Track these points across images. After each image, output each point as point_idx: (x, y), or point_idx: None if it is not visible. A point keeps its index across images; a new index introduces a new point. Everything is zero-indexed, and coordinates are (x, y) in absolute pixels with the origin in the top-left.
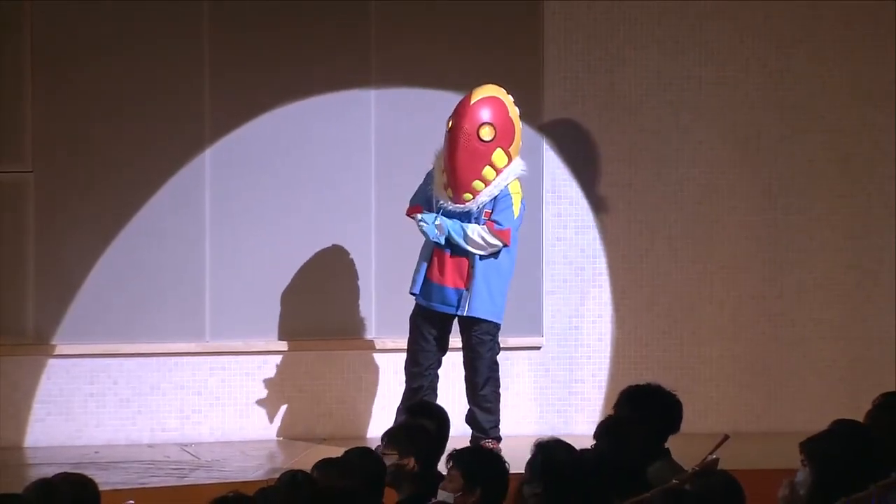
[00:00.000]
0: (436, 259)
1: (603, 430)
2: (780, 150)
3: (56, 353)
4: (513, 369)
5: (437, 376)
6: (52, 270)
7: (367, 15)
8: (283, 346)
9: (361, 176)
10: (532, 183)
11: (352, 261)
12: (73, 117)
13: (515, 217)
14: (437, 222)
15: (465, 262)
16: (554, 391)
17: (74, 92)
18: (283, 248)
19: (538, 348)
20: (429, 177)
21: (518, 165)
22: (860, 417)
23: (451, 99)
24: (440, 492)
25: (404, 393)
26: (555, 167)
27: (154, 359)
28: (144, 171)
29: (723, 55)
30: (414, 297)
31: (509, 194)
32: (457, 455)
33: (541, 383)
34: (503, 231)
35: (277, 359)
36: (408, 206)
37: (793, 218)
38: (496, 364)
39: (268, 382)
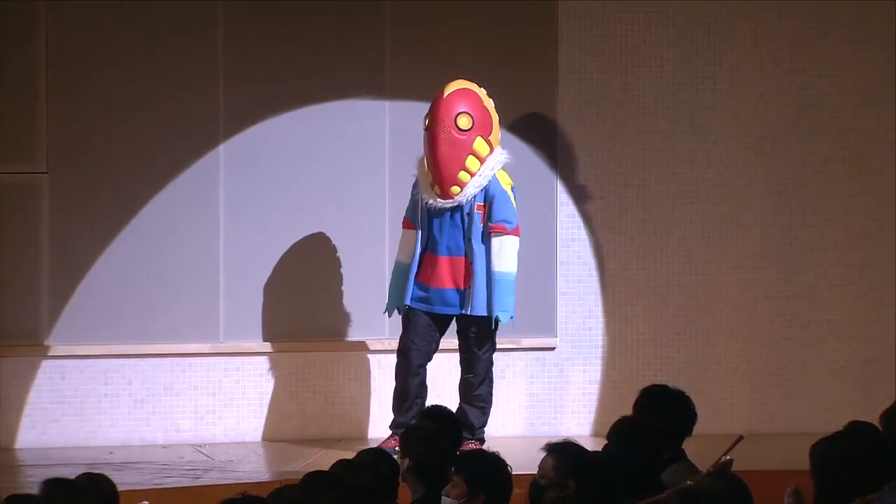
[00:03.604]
0: (427, 263)
1: (615, 432)
2: (795, 150)
3: (70, 353)
4: (526, 370)
5: (426, 373)
6: (67, 271)
7: (381, 16)
8: (297, 346)
9: (376, 176)
10: (546, 183)
11: (366, 262)
12: (88, 118)
13: (515, 208)
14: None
15: (461, 261)
16: (568, 392)
17: (89, 93)
18: (298, 249)
19: (552, 349)
20: (415, 185)
21: (501, 154)
22: (874, 418)
23: None
24: (444, 498)
25: (397, 391)
26: (569, 168)
27: (168, 359)
28: (159, 172)
29: (737, 55)
30: (409, 306)
31: (503, 189)
32: (460, 460)
33: (555, 384)
34: (515, 228)
35: (291, 359)
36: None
37: (807, 218)
38: (492, 363)
39: (282, 383)
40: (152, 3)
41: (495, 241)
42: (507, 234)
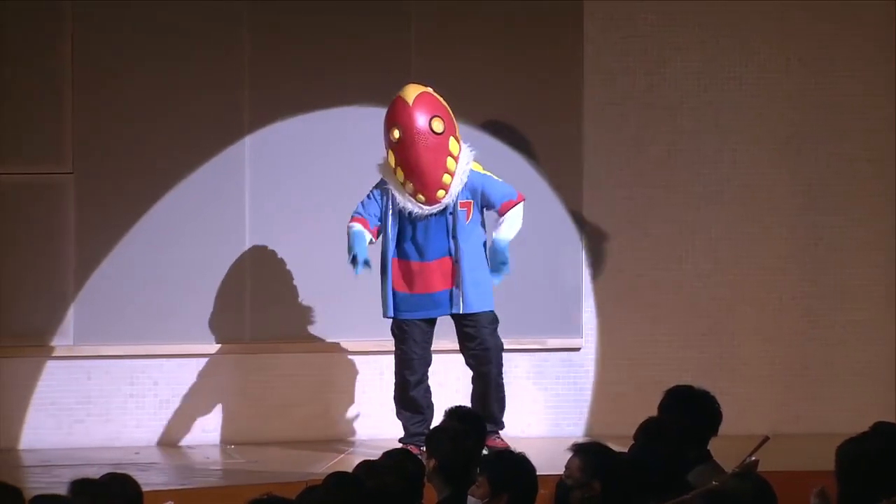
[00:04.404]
0: (409, 271)
1: (640, 432)
2: (821, 151)
3: (96, 353)
4: (552, 370)
5: (428, 378)
6: (92, 271)
7: (406, 16)
8: (324, 346)
9: None
10: (572, 184)
11: None
12: (114, 119)
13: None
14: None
15: (448, 261)
16: (593, 392)
17: (115, 94)
18: (324, 249)
19: (577, 349)
20: (376, 193)
21: (468, 149)
22: None
23: (488, 101)
24: (469, 498)
25: (403, 400)
26: (595, 168)
27: (194, 360)
28: (183, 172)
29: (763, 55)
30: (391, 319)
31: (482, 174)
32: (485, 460)
33: (580, 384)
34: (519, 195)
35: (317, 360)
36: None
37: (833, 218)
38: (502, 348)
39: (307, 384)
40: (177, 3)
41: (508, 215)
42: (516, 203)
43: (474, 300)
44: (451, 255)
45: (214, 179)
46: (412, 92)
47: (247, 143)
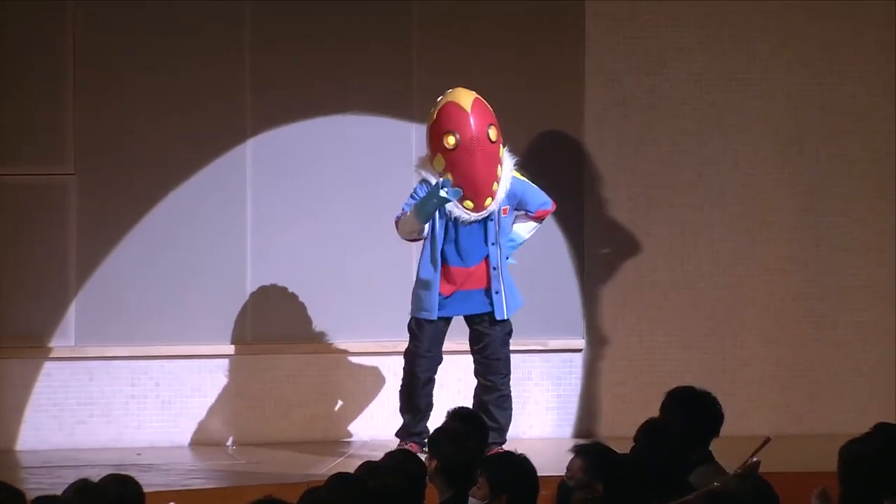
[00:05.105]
0: (451, 272)
1: (642, 433)
2: (822, 151)
3: (97, 355)
4: (554, 372)
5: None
6: (94, 272)
7: (408, 16)
8: (325, 348)
9: (403, 178)
10: (573, 184)
11: (393, 265)
12: (116, 120)
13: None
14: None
15: (483, 265)
16: (595, 394)
17: (116, 94)
18: (325, 251)
19: (579, 351)
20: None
21: (508, 155)
22: None
23: (489, 101)
24: (470, 499)
25: (409, 398)
26: (596, 169)
27: (195, 361)
28: (185, 173)
29: (765, 56)
30: (428, 319)
31: (521, 180)
32: (485, 461)
33: (581, 386)
34: (553, 206)
35: (319, 361)
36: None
37: (835, 219)
38: (510, 364)
39: (309, 385)
40: (179, 4)
41: (541, 223)
42: (550, 212)
43: (511, 305)
44: (488, 260)
45: (217, 180)
46: (466, 97)
47: (249, 144)
